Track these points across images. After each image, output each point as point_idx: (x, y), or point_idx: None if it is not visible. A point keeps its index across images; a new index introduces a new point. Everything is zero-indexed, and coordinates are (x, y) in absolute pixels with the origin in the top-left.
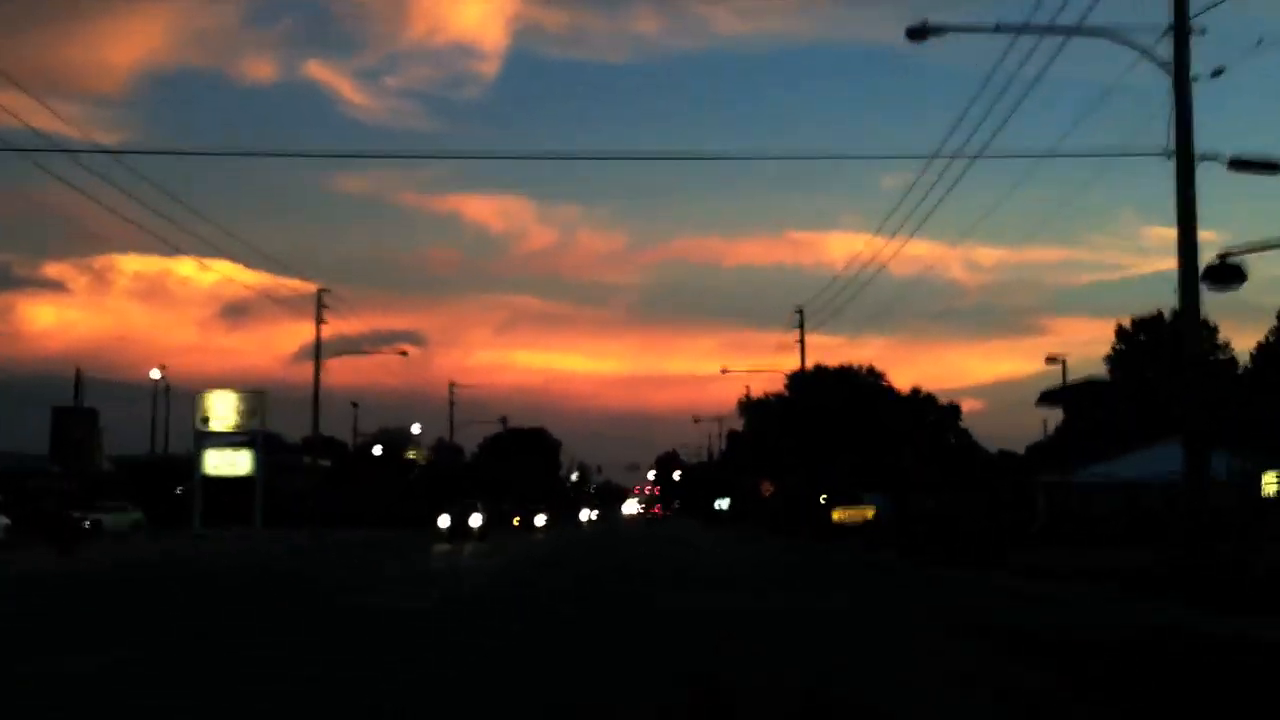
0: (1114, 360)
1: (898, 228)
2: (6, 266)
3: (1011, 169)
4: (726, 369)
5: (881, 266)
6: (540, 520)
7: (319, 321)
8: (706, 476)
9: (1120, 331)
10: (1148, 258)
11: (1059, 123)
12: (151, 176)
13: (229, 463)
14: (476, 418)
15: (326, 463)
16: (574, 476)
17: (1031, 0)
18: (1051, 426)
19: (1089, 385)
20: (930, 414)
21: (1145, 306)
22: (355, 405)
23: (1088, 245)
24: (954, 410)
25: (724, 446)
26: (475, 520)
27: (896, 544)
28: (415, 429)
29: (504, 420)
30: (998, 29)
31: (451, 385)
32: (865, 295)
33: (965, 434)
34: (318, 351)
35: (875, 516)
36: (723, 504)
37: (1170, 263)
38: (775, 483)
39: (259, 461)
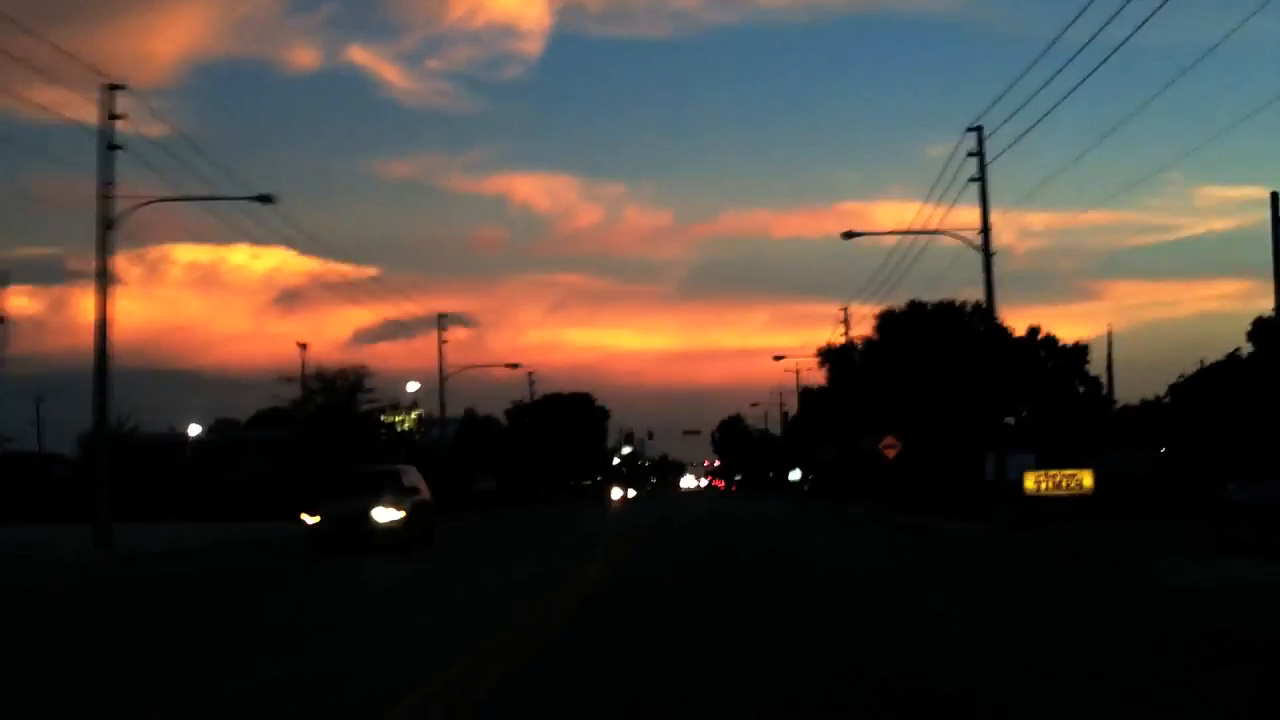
0: None
1: (944, 196)
2: (59, 259)
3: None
4: (780, 355)
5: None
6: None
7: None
8: (771, 446)
9: None
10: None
11: None
12: (201, 165)
13: None
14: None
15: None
16: (625, 450)
17: None
18: None
19: None
20: (1052, 359)
21: None
22: (303, 346)
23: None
24: (1080, 353)
25: (788, 414)
26: (383, 515)
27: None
28: (412, 386)
29: (527, 376)
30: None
31: (441, 332)
32: (915, 267)
33: (1096, 383)
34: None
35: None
36: (794, 475)
37: None
38: (900, 440)
39: None
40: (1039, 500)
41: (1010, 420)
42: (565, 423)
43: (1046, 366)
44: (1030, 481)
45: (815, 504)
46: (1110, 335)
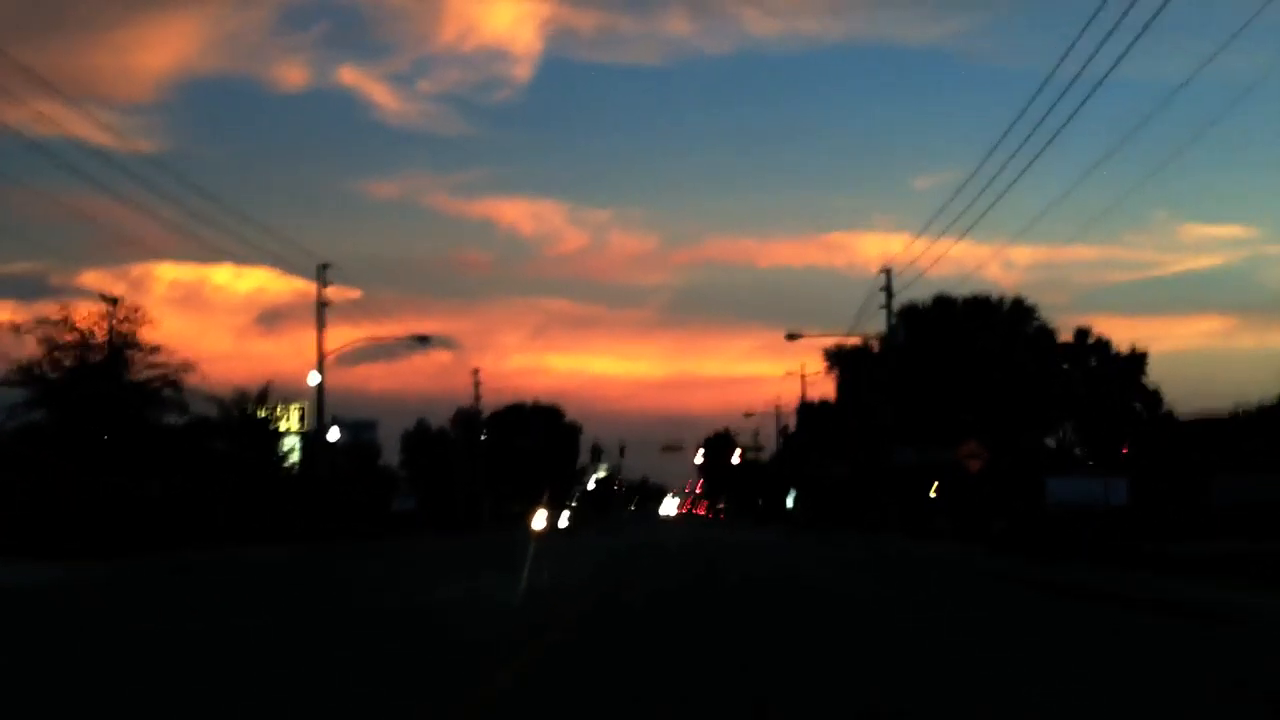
0: None
1: (935, 229)
2: (43, 275)
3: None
4: (795, 334)
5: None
6: None
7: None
8: (763, 468)
9: None
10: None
11: None
12: (186, 183)
13: None
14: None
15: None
16: (599, 472)
17: None
18: None
19: None
20: (1103, 366)
21: None
22: (112, 301)
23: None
24: (1137, 362)
25: (787, 428)
26: None
27: None
28: (313, 379)
29: (472, 375)
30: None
31: (320, 290)
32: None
33: (1155, 396)
34: None
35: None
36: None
37: None
38: (986, 452)
39: None
40: None
41: (1050, 441)
42: (529, 438)
43: (1096, 376)
44: None
45: (838, 537)
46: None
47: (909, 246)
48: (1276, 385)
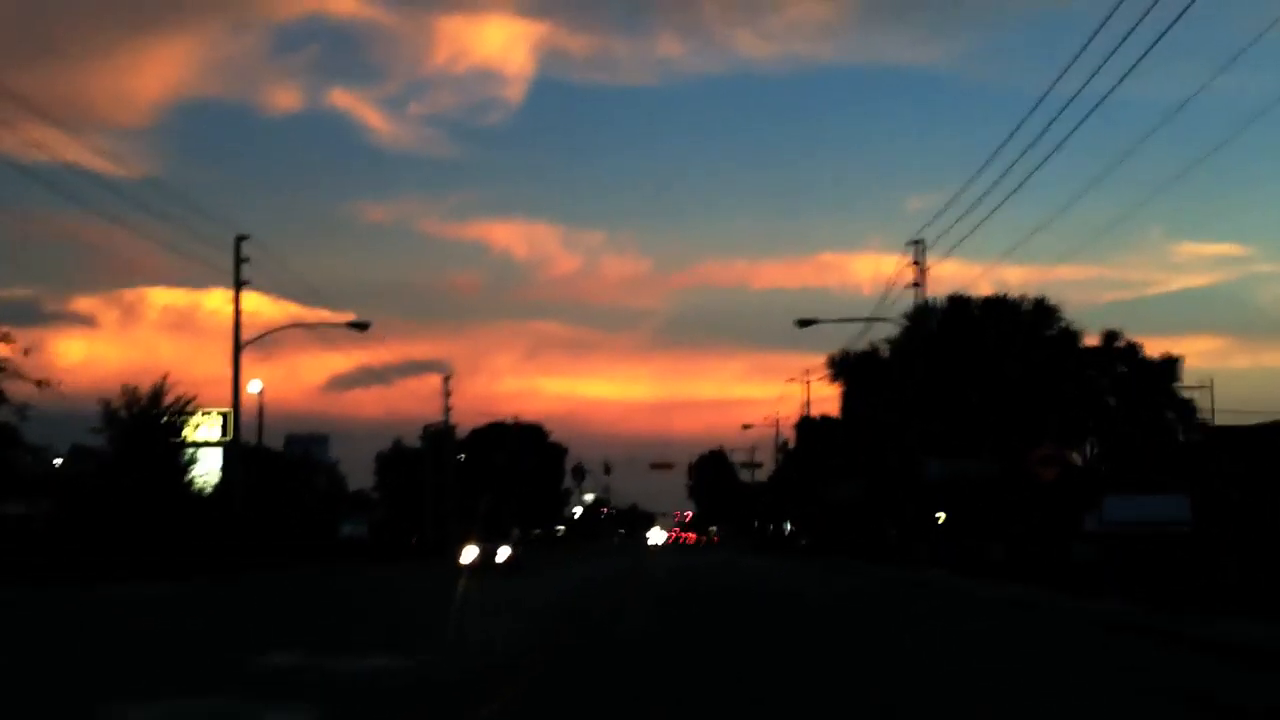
0: None
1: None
2: (36, 301)
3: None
4: (810, 320)
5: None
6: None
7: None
8: (758, 490)
9: None
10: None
11: None
12: (178, 208)
13: None
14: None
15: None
16: (588, 496)
17: None
18: None
19: None
20: (1133, 374)
21: None
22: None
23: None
24: (1170, 368)
25: (784, 448)
26: None
27: None
28: (254, 386)
29: (443, 383)
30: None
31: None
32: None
33: (1188, 406)
34: None
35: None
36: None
37: None
38: (1062, 456)
39: None
40: None
41: (1077, 456)
42: (507, 456)
43: (1126, 383)
44: None
45: (870, 572)
46: None
47: (897, 266)
48: None
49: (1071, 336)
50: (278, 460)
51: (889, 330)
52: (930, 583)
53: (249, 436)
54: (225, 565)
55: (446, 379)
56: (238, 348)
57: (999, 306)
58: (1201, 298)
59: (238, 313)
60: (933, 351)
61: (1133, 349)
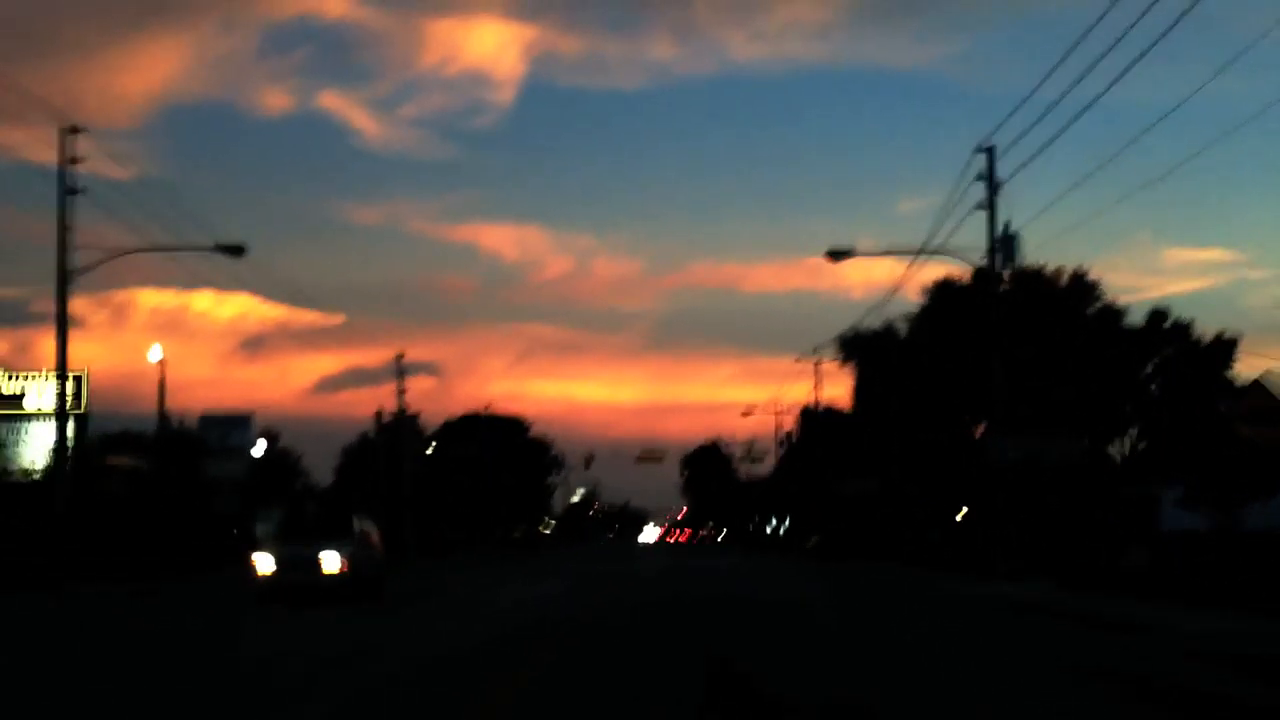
0: None
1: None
2: (25, 302)
3: None
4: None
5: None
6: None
7: None
8: (759, 486)
9: None
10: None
11: None
12: (167, 209)
13: None
14: None
15: None
16: (576, 495)
17: None
18: None
19: None
20: (1182, 357)
21: None
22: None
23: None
24: (1225, 351)
25: (788, 440)
26: None
27: None
28: (154, 354)
29: (395, 361)
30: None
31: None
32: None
33: (1242, 394)
34: None
35: None
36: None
37: None
38: None
39: None
40: None
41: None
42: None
43: (1173, 368)
44: None
45: (933, 585)
46: None
47: (890, 270)
48: None
49: (1115, 315)
50: (180, 444)
51: (905, 308)
52: (1102, 613)
53: (141, 412)
54: (53, 574)
55: (399, 357)
56: (63, 278)
57: (1031, 280)
58: (1190, 303)
59: (63, 229)
60: (1012, 296)
61: (1182, 329)
